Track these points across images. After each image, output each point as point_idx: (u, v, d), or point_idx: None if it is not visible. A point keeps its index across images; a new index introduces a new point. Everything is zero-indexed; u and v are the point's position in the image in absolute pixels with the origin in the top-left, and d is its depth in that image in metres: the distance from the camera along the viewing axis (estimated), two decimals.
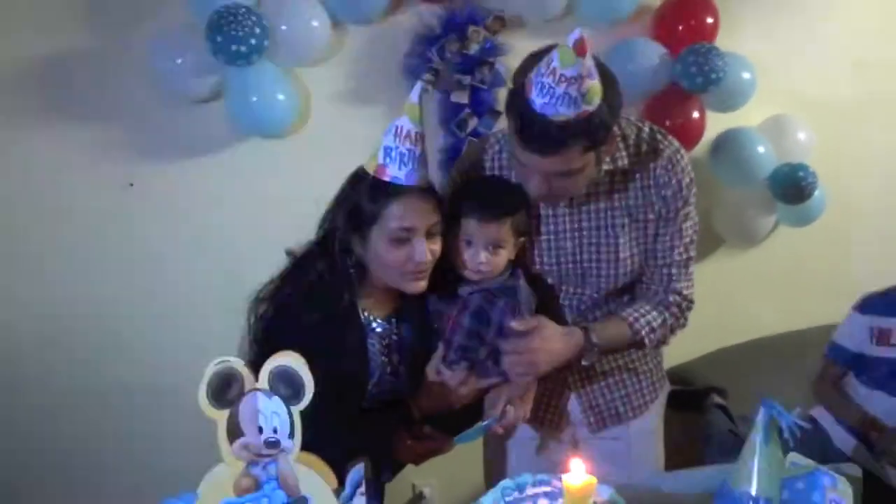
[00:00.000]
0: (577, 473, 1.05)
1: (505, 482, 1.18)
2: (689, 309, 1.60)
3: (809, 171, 2.53)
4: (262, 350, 1.37)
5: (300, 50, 2.22)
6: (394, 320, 1.47)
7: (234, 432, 1.04)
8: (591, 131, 1.31)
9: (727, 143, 2.57)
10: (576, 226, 1.53)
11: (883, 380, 1.92)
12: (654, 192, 1.51)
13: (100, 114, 2.25)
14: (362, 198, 1.37)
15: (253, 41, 2.03)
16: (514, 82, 1.37)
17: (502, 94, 2.37)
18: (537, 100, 1.27)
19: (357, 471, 1.08)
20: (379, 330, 1.45)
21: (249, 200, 2.37)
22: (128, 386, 2.35)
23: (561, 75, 1.23)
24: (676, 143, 1.54)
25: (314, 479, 1.05)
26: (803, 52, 2.76)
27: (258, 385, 1.03)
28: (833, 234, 2.82)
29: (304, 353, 1.13)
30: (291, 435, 1.05)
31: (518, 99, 1.32)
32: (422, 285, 1.39)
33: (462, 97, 2.35)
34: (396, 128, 1.34)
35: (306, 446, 1.05)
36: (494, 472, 1.72)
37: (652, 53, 2.44)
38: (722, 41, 2.52)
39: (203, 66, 2.13)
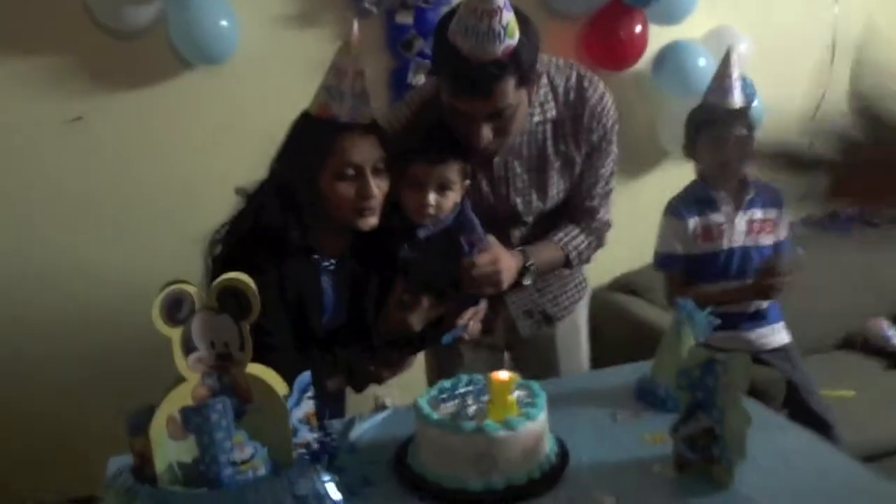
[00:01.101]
0: (499, 371, 1.17)
1: (442, 382, 1.30)
2: (607, 230, 1.75)
3: (748, 82, 2.60)
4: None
5: None
6: (346, 258, 1.53)
7: (189, 347, 1.12)
8: (518, 65, 1.37)
9: (669, 56, 2.63)
10: (511, 172, 1.62)
11: (719, 271, 2.03)
12: (583, 137, 1.61)
13: (39, 47, 2.23)
14: (308, 137, 1.40)
15: None
16: (435, 40, 1.42)
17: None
18: (464, 45, 1.33)
19: (304, 377, 1.18)
20: (331, 268, 1.51)
21: (197, 130, 2.39)
22: (84, 319, 2.42)
23: (482, 11, 1.29)
24: (602, 88, 1.62)
25: (265, 386, 1.15)
26: None
27: (207, 304, 1.11)
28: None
29: (260, 292, 1.20)
30: (242, 347, 1.14)
31: (445, 51, 1.37)
32: (371, 221, 1.42)
33: (407, 17, 2.36)
34: (336, 66, 1.38)
35: None
36: (437, 377, 1.84)
37: None
38: None
39: None
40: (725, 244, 2.05)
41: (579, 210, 1.70)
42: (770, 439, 1.28)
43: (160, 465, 1.11)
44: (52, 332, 2.41)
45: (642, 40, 2.58)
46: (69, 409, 2.44)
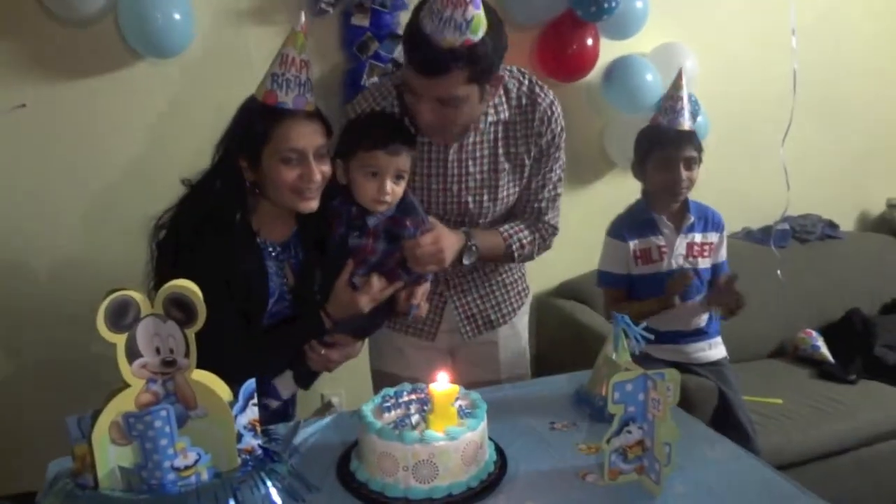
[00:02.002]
0: (442, 382, 1.20)
1: (386, 389, 1.33)
2: (553, 234, 1.81)
3: (693, 99, 2.69)
4: (161, 277, 1.44)
5: None
6: (290, 245, 1.57)
7: (133, 353, 1.12)
8: (473, 61, 1.43)
9: (618, 71, 2.69)
10: (463, 171, 1.67)
11: (658, 292, 2.07)
12: (533, 140, 1.68)
13: None
14: (254, 122, 1.44)
15: None
16: (412, 13, 1.48)
17: (404, 18, 2.40)
18: (427, 24, 1.41)
19: (249, 384, 1.19)
20: (274, 253, 1.54)
21: (145, 122, 2.36)
22: (23, 310, 2.37)
23: (452, 0, 1.37)
24: (552, 95, 1.70)
25: (210, 392, 1.15)
26: None
27: (153, 310, 1.11)
28: (713, 157, 3.02)
29: (204, 277, 1.24)
30: (187, 354, 1.15)
31: (411, 24, 1.45)
32: (313, 205, 1.47)
33: (363, 20, 2.37)
34: (283, 55, 1.43)
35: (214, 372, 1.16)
36: (381, 381, 1.88)
37: None
38: None
39: None
40: (665, 266, 2.09)
41: (527, 210, 1.76)
42: (697, 450, 1.35)
43: (102, 470, 1.11)
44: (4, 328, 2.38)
45: (593, 53, 2.64)
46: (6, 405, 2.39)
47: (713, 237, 2.15)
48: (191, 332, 1.13)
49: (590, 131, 2.86)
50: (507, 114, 1.65)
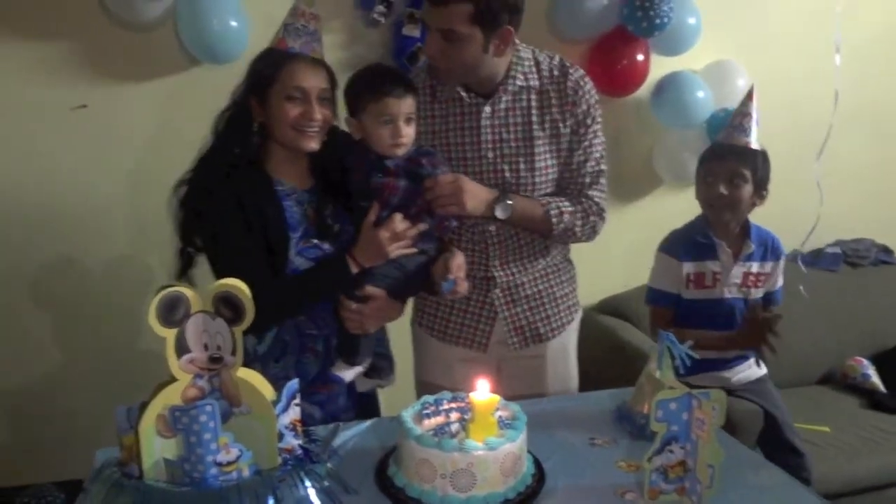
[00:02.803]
0: (482, 391, 1.20)
1: (426, 397, 1.33)
2: (599, 215, 1.77)
3: None
4: (184, 231, 1.55)
5: None
6: (313, 194, 1.62)
7: (182, 348, 1.15)
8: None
9: (669, 87, 2.67)
10: (497, 137, 1.69)
11: (706, 319, 1.99)
12: (568, 110, 1.70)
13: (50, 35, 2.25)
14: (263, 66, 1.55)
15: None
16: None
17: None
18: None
19: (292, 384, 1.20)
20: (294, 195, 1.59)
21: (199, 125, 2.40)
22: (77, 304, 2.44)
23: None
24: (582, 70, 1.75)
25: (254, 390, 1.17)
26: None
27: (203, 307, 1.14)
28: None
29: (221, 217, 1.45)
30: (234, 352, 1.16)
31: None
32: (313, 144, 1.56)
33: (413, 30, 2.39)
34: (295, 8, 1.55)
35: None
36: (426, 392, 1.86)
37: None
38: None
39: None
40: (717, 293, 2.01)
41: (570, 187, 1.76)
42: (742, 475, 1.32)
43: (147, 461, 1.13)
44: (59, 321, 2.44)
45: (644, 69, 2.62)
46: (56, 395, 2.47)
47: (769, 266, 2.05)
48: (238, 330, 1.16)
49: (639, 147, 2.84)
50: (537, 82, 1.70)
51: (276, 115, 1.54)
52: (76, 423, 2.44)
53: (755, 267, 2.03)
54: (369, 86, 1.56)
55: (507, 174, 1.70)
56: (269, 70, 1.53)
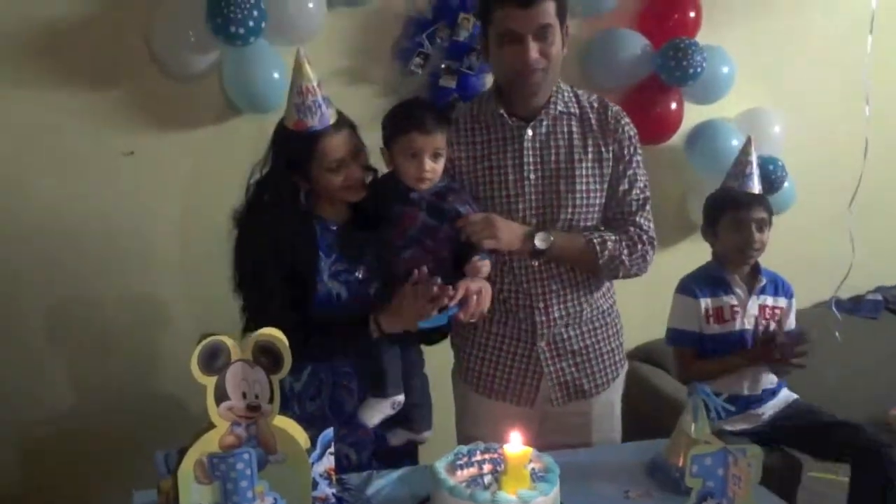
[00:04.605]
0: (515, 443, 1.20)
1: (459, 447, 1.34)
2: (648, 243, 1.78)
3: (779, 164, 2.65)
4: (241, 273, 1.63)
5: (296, 31, 2.31)
6: (348, 225, 1.70)
7: (221, 396, 1.18)
8: None
9: (703, 135, 2.68)
10: (539, 159, 1.72)
11: (729, 354, 2.05)
12: (610, 136, 1.74)
13: (104, 83, 2.35)
14: (294, 148, 1.62)
15: (251, 23, 2.14)
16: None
17: (489, 80, 2.47)
18: None
19: (326, 433, 1.22)
20: (334, 227, 1.68)
21: (241, 172, 2.46)
22: (123, 349, 2.49)
23: None
24: (618, 106, 1.81)
25: (290, 439, 1.19)
26: (783, 47, 2.87)
27: (242, 356, 1.17)
28: (802, 224, 2.95)
29: (253, 245, 1.56)
30: (271, 400, 1.19)
31: None
32: (360, 194, 1.66)
33: (450, 82, 2.44)
34: (298, 87, 1.60)
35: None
36: (464, 436, 1.86)
37: (635, 45, 2.55)
38: (704, 34, 2.63)
39: (203, 44, 2.23)
40: (737, 326, 2.07)
41: (616, 217, 1.77)
42: None
43: None
44: (74, 358, 2.50)
45: (677, 117, 2.64)
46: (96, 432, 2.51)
47: (783, 302, 2.14)
48: (276, 379, 1.19)
49: (673, 193, 2.84)
50: (577, 110, 1.75)
51: (323, 185, 1.63)
52: (88, 461, 2.44)
53: (770, 300, 2.12)
54: (399, 120, 1.64)
55: (550, 195, 1.72)
56: (302, 153, 1.61)
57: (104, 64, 2.33)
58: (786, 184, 2.69)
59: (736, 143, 2.65)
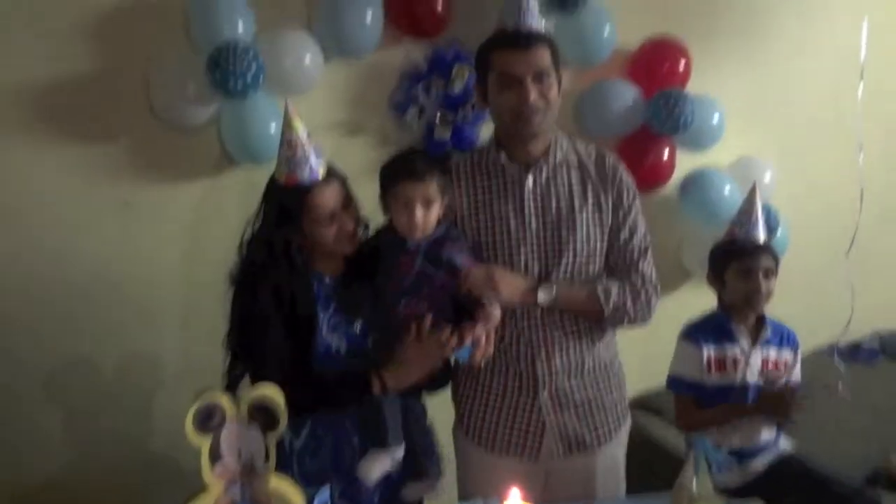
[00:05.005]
0: (515, 500, 1.18)
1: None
2: (652, 291, 1.81)
3: (772, 212, 2.67)
4: (233, 330, 1.62)
5: (293, 83, 2.34)
6: (343, 278, 1.72)
7: (216, 456, 1.16)
8: (550, 43, 1.71)
9: (695, 183, 2.71)
10: (540, 205, 1.74)
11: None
12: (609, 184, 1.78)
13: (98, 135, 2.36)
14: (286, 202, 1.64)
15: (250, 77, 2.16)
16: (480, 48, 1.76)
17: (485, 132, 2.51)
18: (507, 21, 1.71)
19: (323, 492, 1.20)
20: (329, 281, 1.69)
21: (238, 222, 2.47)
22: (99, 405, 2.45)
23: None
24: (615, 156, 1.86)
25: (285, 501, 1.17)
26: (773, 96, 2.92)
27: (238, 415, 1.16)
28: (796, 271, 2.95)
29: (253, 299, 1.56)
30: (266, 459, 1.18)
31: (492, 36, 1.74)
32: (353, 246, 1.69)
33: (445, 133, 2.47)
34: (287, 141, 1.63)
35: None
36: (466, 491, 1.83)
37: (626, 95, 2.59)
38: (695, 84, 2.68)
39: (202, 96, 2.25)
40: (739, 378, 2.03)
41: (619, 265, 1.79)
42: None
43: None
44: (70, 417, 2.46)
45: (670, 165, 2.67)
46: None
47: (788, 355, 2.10)
48: (272, 437, 1.17)
49: (667, 241, 2.84)
50: (576, 159, 1.79)
51: (315, 237, 1.65)
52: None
53: (773, 353, 2.08)
54: (391, 170, 1.67)
55: (551, 242, 1.74)
56: (293, 206, 1.63)
57: (104, 117, 2.35)
58: (779, 231, 2.71)
59: (728, 190, 2.69)
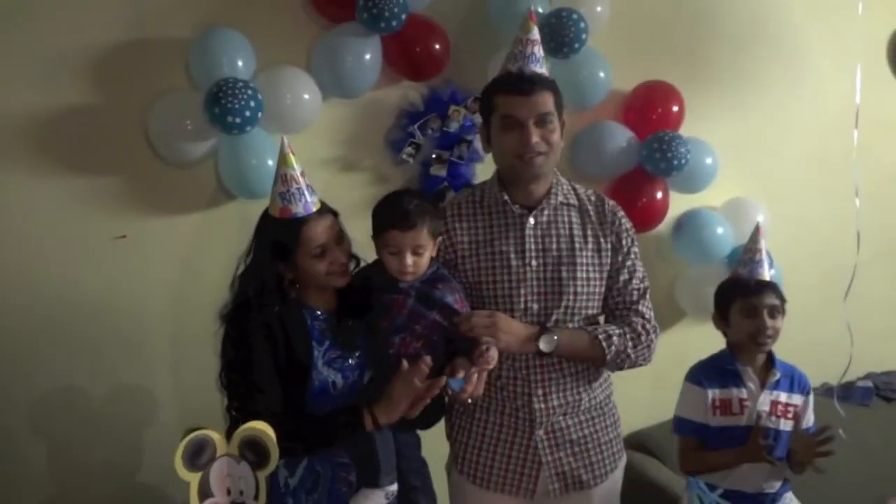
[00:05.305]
0: None
1: None
2: (653, 332, 1.81)
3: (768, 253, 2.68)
4: (224, 369, 1.61)
5: (291, 120, 2.37)
6: (337, 314, 1.73)
7: (205, 492, 1.15)
8: (553, 85, 1.75)
9: (688, 224, 2.73)
10: (541, 246, 1.76)
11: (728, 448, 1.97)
12: (607, 226, 1.81)
13: (99, 169, 2.38)
14: (279, 235, 1.66)
15: (248, 113, 2.19)
16: (484, 90, 1.81)
17: (480, 170, 2.54)
18: (513, 66, 1.77)
19: None
20: (322, 316, 1.70)
21: (234, 255, 2.48)
22: (79, 433, 2.42)
23: (527, 39, 1.76)
24: (614, 201, 1.91)
25: None
26: (767, 140, 2.97)
27: (228, 451, 1.15)
28: (788, 312, 2.95)
29: (246, 335, 1.54)
30: (256, 496, 1.16)
31: (495, 80, 1.79)
32: (345, 280, 1.71)
33: (441, 171, 2.50)
34: (282, 175, 1.66)
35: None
36: None
37: (621, 137, 2.63)
38: (688, 126, 2.72)
39: (200, 132, 2.27)
40: (745, 421, 1.99)
41: (618, 308, 1.81)
42: None
43: None
44: (57, 452, 2.43)
45: (663, 206, 2.69)
46: None
47: (798, 399, 2.06)
48: (262, 474, 1.16)
49: (661, 281, 2.87)
50: (576, 202, 1.83)
51: (308, 272, 1.66)
52: None
53: (783, 396, 2.04)
54: (381, 217, 1.69)
55: (552, 282, 1.75)
56: (286, 240, 1.65)
57: (102, 151, 2.37)
58: (772, 271, 2.72)
59: (721, 230, 2.71)
